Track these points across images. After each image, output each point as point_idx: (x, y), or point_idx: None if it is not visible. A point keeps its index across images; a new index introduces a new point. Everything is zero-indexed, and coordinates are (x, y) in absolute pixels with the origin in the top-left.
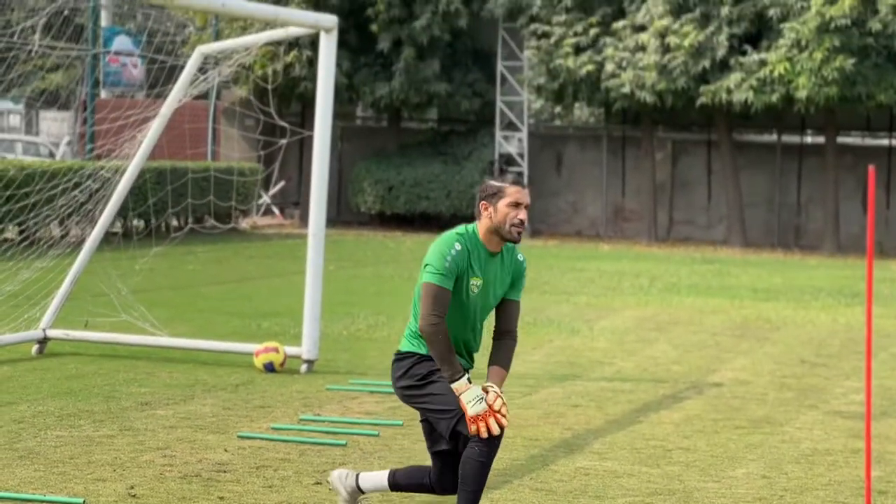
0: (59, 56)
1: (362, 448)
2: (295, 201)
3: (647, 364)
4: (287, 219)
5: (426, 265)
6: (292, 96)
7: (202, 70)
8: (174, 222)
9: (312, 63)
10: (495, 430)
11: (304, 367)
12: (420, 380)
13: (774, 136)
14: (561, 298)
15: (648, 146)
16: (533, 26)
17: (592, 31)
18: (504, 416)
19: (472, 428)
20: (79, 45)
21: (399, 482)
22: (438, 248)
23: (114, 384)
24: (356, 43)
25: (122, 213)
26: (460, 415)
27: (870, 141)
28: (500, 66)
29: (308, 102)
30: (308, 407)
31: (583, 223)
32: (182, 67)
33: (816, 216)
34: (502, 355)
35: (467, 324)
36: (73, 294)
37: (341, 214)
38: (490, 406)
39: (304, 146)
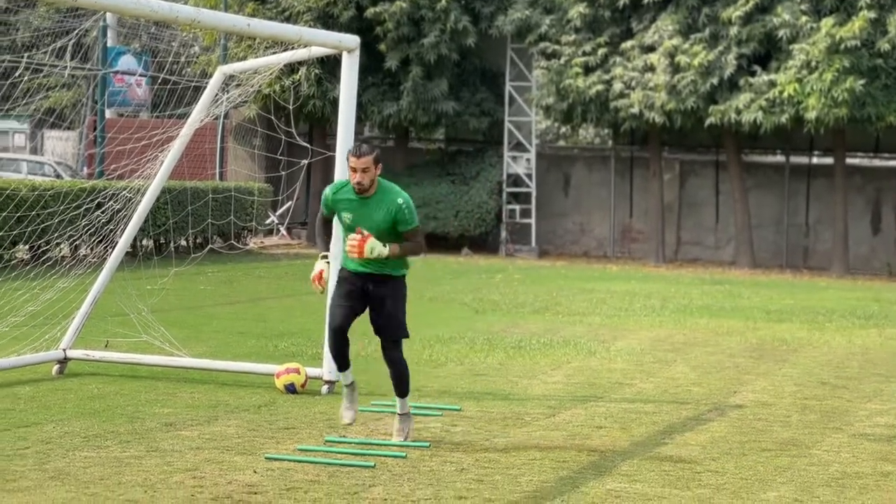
0: (65, 76)
1: (391, 470)
2: (302, 221)
3: (667, 385)
4: (294, 239)
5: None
6: (300, 115)
7: (222, 89)
8: (182, 242)
9: (321, 81)
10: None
11: (325, 389)
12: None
13: (783, 157)
14: (574, 319)
15: (656, 167)
16: (541, 45)
17: (601, 51)
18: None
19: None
20: (86, 65)
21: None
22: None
23: (136, 405)
24: (364, 61)
25: (137, 233)
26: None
27: (878, 162)
28: (509, 86)
29: (316, 121)
30: (333, 428)
31: (590, 244)
32: (189, 87)
33: (825, 237)
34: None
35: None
36: (92, 314)
37: None
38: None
39: (311, 165)
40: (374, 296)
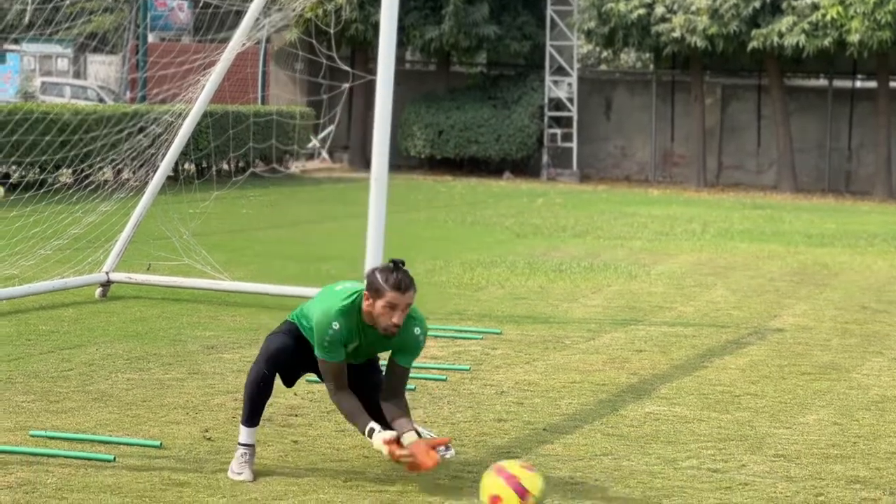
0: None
1: (431, 393)
2: (344, 145)
3: (707, 309)
4: (336, 163)
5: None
6: (342, 39)
7: (263, 13)
8: (224, 166)
9: (363, 5)
10: (434, 461)
11: None
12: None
13: (826, 81)
14: (615, 243)
15: (698, 91)
16: None
17: None
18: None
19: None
20: None
21: None
22: (320, 326)
23: (178, 327)
24: None
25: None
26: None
27: None
28: (550, 10)
29: (358, 45)
30: None
31: (631, 168)
32: (230, 11)
33: (868, 161)
34: (402, 409)
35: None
36: (134, 237)
37: (391, 158)
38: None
39: (353, 90)
40: None
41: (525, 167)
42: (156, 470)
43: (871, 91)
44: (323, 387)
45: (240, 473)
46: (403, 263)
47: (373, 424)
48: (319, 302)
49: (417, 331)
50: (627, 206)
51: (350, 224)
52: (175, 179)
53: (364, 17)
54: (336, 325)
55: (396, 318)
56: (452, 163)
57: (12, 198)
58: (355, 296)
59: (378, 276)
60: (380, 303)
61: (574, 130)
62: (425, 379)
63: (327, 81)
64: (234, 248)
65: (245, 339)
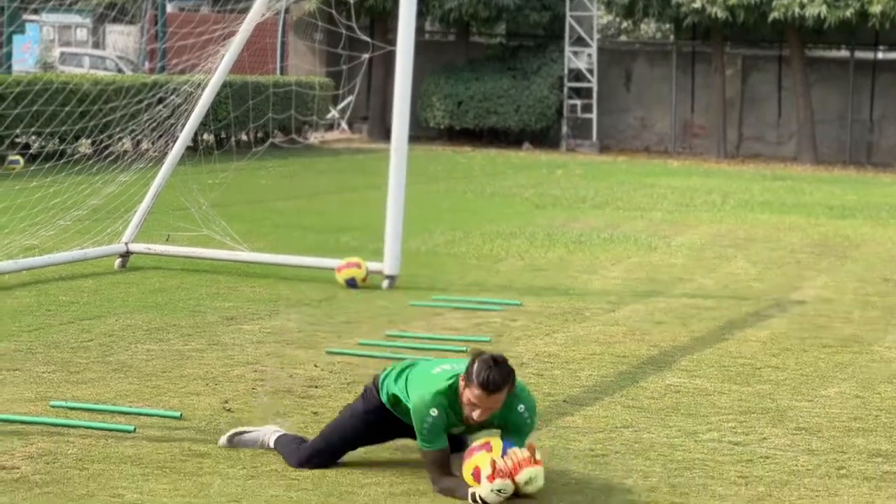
0: None
1: None
2: (363, 116)
3: (727, 281)
4: (355, 133)
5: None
6: (362, 9)
7: None
8: (243, 137)
9: None
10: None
11: (385, 283)
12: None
13: (847, 52)
14: (635, 214)
15: (718, 62)
16: None
17: None
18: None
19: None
20: None
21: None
22: (418, 413)
23: (198, 298)
24: None
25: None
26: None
27: None
28: None
29: (378, 16)
30: (393, 323)
31: (651, 139)
32: None
33: (889, 133)
34: None
35: None
36: (153, 208)
37: (410, 129)
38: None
39: (372, 60)
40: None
41: (544, 138)
42: (176, 441)
43: (893, 62)
44: (344, 359)
45: (241, 432)
46: (505, 361)
47: (473, 489)
48: (417, 384)
49: (521, 408)
50: (647, 178)
51: (369, 195)
52: (194, 150)
53: None
54: (434, 412)
55: (476, 415)
56: (472, 133)
57: (32, 168)
58: (453, 380)
59: (476, 365)
60: (467, 393)
61: (594, 101)
62: (445, 350)
63: (346, 52)
64: (253, 219)
65: (264, 310)
